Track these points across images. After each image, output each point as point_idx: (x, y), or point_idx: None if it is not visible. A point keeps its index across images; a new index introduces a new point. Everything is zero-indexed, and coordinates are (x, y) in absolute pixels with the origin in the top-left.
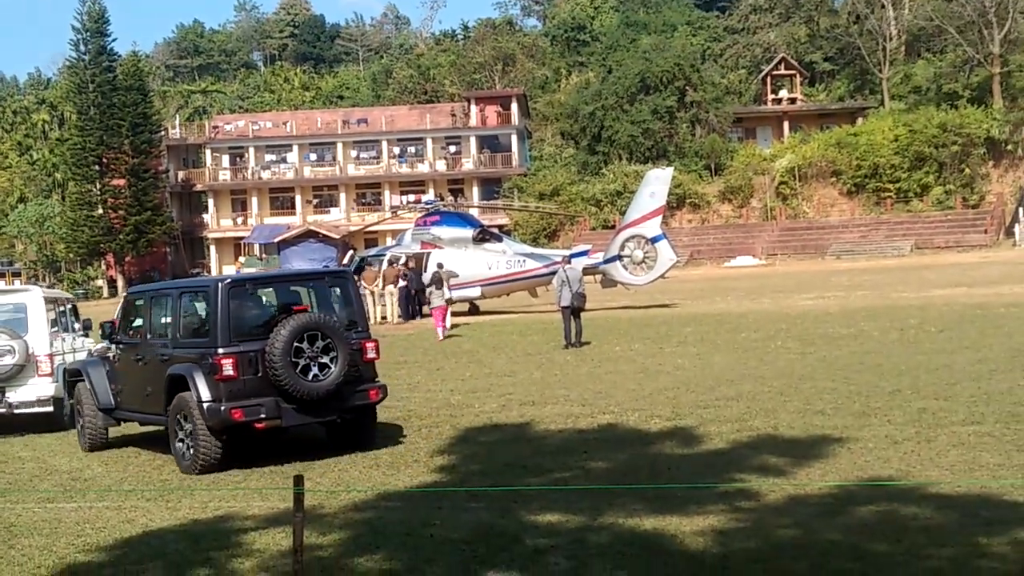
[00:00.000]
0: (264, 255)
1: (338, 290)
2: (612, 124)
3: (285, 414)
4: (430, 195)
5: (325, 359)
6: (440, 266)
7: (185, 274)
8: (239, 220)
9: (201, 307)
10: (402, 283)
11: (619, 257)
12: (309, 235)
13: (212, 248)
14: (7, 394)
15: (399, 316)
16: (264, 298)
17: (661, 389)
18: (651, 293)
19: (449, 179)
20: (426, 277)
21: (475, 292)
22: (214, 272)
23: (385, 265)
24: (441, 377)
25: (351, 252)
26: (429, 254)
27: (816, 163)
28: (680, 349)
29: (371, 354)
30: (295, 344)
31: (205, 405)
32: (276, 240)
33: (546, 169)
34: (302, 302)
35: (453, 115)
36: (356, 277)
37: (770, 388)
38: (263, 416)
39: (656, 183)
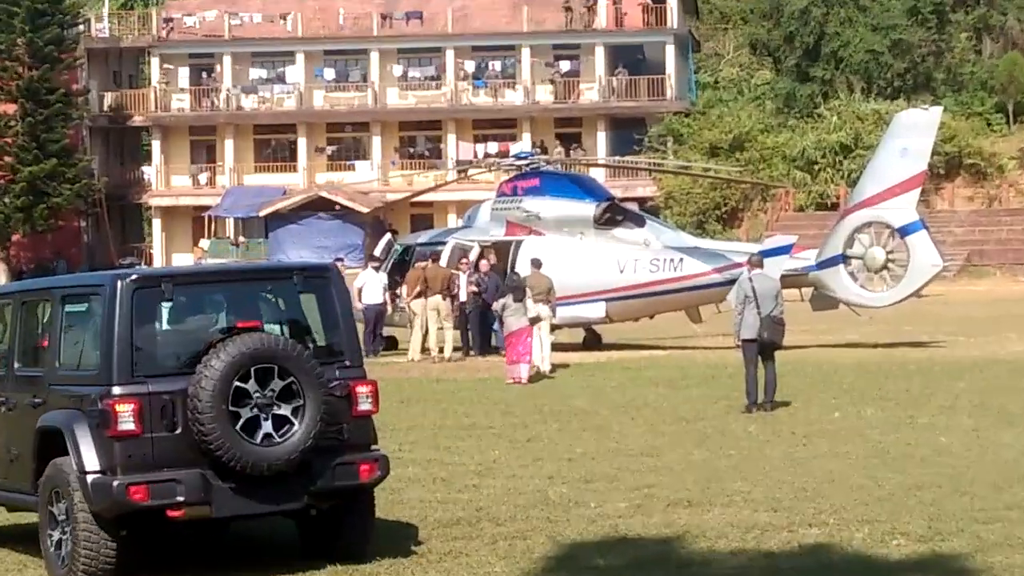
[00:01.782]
0: (242, 237)
1: (314, 296)
2: (839, 31)
3: (218, 497)
4: (524, 144)
5: (284, 409)
6: (537, 264)
7: (110, 265)
8: (203, 177)
9: (90, 320)
10: (469, 289)
11: (844, 258)
12: (318, 206)
13: (156, 223)
14: None
15: (469, 347)
16: (191, 307)
17: (910, 487)
18: (897, 321)
19: (558, 117)
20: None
21: (596, 311)
22: (157, 262)
23: (446, 259)
24: (533, 454)
25: (387, 237)
26: (520, 243)
27: None
28: (945, 419)
29: (364, 404)
30: (236, 384)
31: (89, 478)
32: (262, 213)
33: (723, 104)
34: (253, 316)
35: (568, 9)
36: (397, 279)
37: None
38: (181, 499)
39: (911, 133)
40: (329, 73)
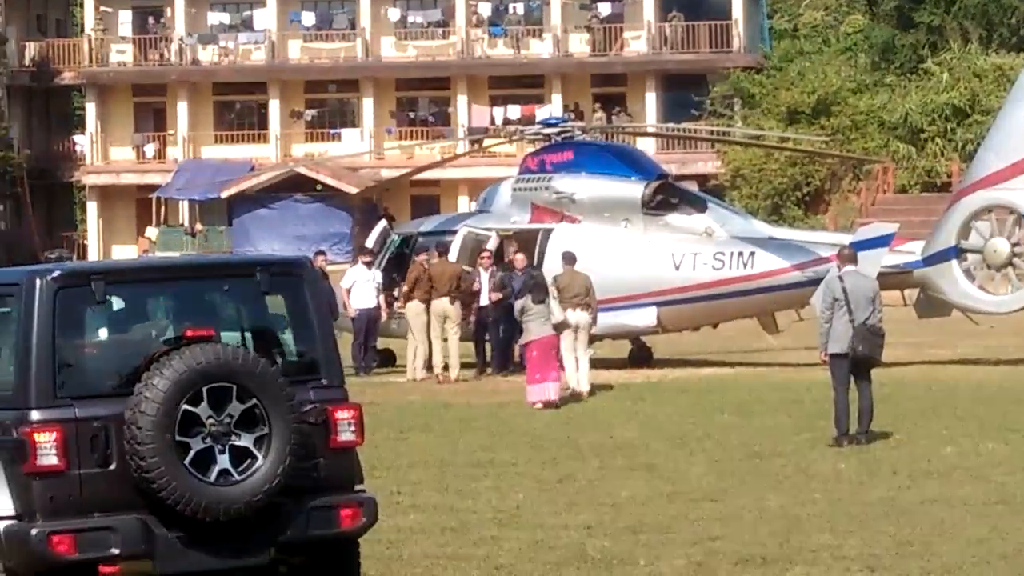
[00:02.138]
0: (199, 224)
1: (282, 298)
2: None
3: (162, 549)
4: (553, 107)
5: (245, 440)
6: (570, 259)
7: (34, 259)
8: (149, 149)
9: (4, 329)
10: (491, 294)
11: (958, 252)
12: (295, 185)
13: (91, 206)
14: None
15: (486, 363)
16: (130, 312)
17: None
18: None
19: (596, 74)
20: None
21: (646, 318)
22: (93, 255)
23: (455, 252)
24: (568, 497)
25: (382, 224)
26: (549, 232)
27: None
28: None
29: (346, 433)
30: (184, 407)
31: (1, 525)
32: (225, 194)
33: (804, 58)
34: (206, 323)
35: None
36: (395, 278)
37: None
38: (116, 551)
39: None
40: (308, 18)
